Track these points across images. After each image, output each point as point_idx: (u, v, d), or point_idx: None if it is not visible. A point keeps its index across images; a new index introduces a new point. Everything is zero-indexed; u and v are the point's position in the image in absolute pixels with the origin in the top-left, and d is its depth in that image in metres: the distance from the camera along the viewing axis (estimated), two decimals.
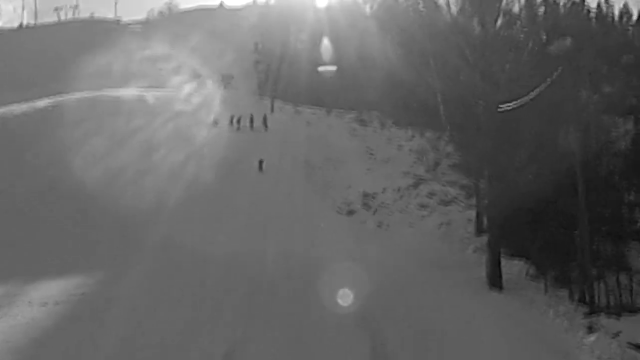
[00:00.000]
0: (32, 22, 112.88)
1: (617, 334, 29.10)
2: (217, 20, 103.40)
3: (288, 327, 26.39)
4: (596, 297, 33.23)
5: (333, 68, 69.32)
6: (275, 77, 71.93)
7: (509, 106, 33.68)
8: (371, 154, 54.26)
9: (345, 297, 30.07)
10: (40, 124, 51.04)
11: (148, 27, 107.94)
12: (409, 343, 25.91)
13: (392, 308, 29.83)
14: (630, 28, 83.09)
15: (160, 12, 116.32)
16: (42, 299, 27.98)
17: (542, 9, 42.39)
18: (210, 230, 37.48)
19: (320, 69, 71.03)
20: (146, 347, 23.98)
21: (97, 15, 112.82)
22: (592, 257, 34.12)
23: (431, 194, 47.47)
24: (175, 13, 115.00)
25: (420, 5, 42.95)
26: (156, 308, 27.87)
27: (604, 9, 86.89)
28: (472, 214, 42.90)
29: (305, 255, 36.12)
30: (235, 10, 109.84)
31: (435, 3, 40.29)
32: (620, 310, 32.44)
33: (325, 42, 73.58)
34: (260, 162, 39.98)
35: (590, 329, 29.59)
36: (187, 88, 67.99)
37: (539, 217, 35.38)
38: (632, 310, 32.41)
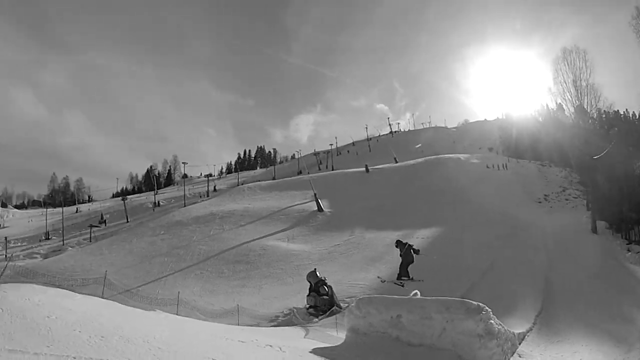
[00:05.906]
0: (413, 127, 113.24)
1: (638, 252, 27.43)
2: (485, 125, 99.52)
3: (519, 252, 26.64)
4: (632, 237, 30.49)
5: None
6: (507, 146, 68.96)
7: (597, 157, 32.56)
8: (546, 178, 50.72)
9: (535, 239, 30.17)
10: (418, 170, 51.99)
11: (458, 130, 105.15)
12: (560, 249, 27.45)
13: (554, 239, 30.15)
14: None
15: (461, 123, 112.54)
16: (418, 236, 29.44)
17: (604, 117, 39.04)
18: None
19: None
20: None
21: (439, 124, 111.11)
22: (631, 222, 31.38)
23: (569, 194, 44.26)
24: (467, 123, 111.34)
25: (560, 117, 41.40)
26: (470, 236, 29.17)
27: (631, 115, 69.92)
28: (585, 202, 39.77)
29: (519, 218, 35.17)
30: (490, 121, 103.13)
31: (566, 116, 38.87)
32: None
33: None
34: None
35: (628, 250, 28.05)
36: (470, 154, 66.29)
37: (611, 204, 32.84)
38: None
